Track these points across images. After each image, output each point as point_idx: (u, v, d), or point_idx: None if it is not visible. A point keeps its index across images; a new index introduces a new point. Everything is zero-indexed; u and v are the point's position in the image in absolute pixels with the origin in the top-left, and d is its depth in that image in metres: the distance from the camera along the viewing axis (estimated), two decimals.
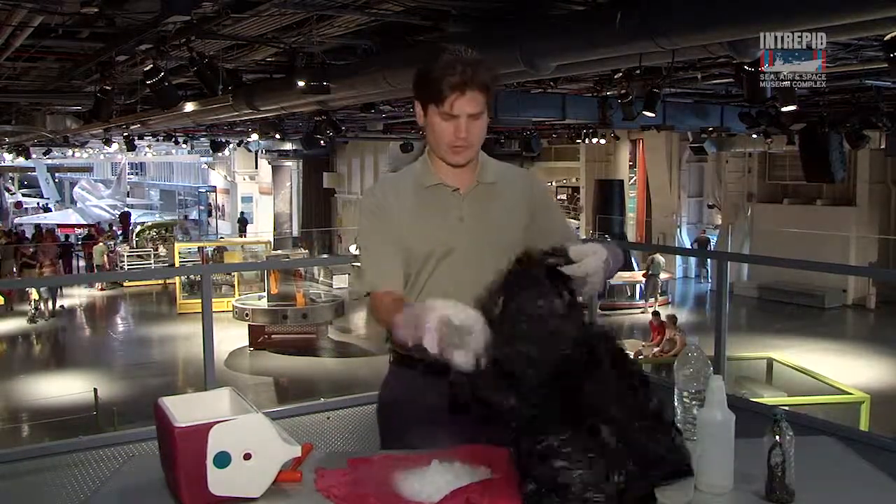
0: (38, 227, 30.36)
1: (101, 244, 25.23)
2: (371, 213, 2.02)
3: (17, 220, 35.94)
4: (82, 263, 25.49)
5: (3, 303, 18.48)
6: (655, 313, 14.50)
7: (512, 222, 2.02)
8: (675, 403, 1.67)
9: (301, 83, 7.82)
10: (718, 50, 6.09)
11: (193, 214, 39.87)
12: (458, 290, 1.97)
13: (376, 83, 7.69)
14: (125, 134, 18.54)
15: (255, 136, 19.92)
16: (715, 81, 10.04)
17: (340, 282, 20.95)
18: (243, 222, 32.40)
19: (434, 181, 1.99)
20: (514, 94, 11.02)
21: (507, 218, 2.02)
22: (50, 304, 18.55)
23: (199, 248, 24.25)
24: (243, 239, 27.77)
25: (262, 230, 31.32)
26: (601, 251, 1.64)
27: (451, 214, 1.98)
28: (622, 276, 19.22)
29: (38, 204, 43.97)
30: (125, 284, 22.54)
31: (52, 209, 41.44)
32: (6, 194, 40.98)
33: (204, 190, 39.28)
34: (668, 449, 1.44)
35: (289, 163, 30.52)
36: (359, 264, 2.06)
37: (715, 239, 21.99)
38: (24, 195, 45.68)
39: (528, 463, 1.44)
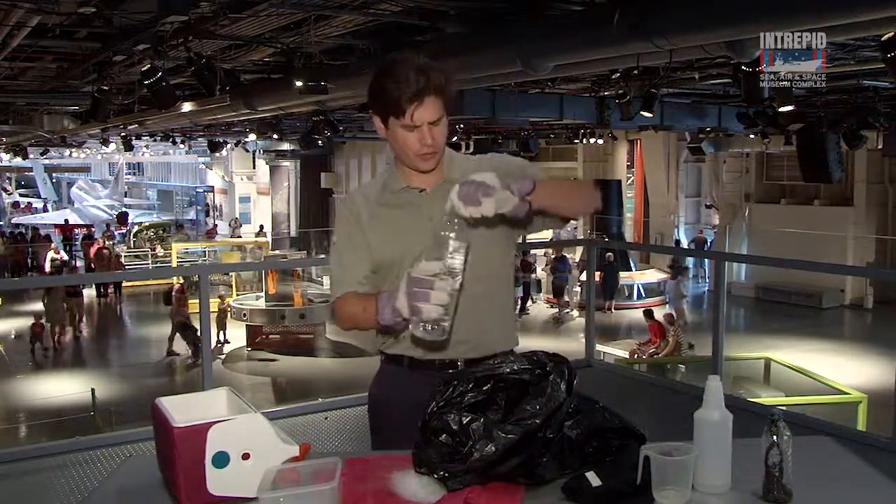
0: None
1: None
2: (344, 221, 2.06)
3: (14, 220, 35.81)
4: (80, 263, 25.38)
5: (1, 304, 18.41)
6: (648, 313, 14.29)
7: None
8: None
9: (299, 83, 7.81)
10: (716, 50, 6.09)
11: (191, 214, 39.80)
12: None
13: None
14: (122, 134, 18.51)
15: (252, 136, 19.86)
16: (713, 82, 10.04)
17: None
18: (236, 221, 32.12)
19: (401, 185, 2.02)
20: (512, 95, 11.01)
21: None
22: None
23: (207, 248, 24.16)
24: (242, 239, 27.72)
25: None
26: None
27: (421, 215, 1.98)
28: (621, 277, 19.20)
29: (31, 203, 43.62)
30: (123, 285, 22.45)
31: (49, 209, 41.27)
32: (3, 194, 40.89)
33: (202, 190, 39.23)
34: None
35: (286, 163, 30.45)
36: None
37: (712, 239, 21.98)
38: (21, 195, 45.55)
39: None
